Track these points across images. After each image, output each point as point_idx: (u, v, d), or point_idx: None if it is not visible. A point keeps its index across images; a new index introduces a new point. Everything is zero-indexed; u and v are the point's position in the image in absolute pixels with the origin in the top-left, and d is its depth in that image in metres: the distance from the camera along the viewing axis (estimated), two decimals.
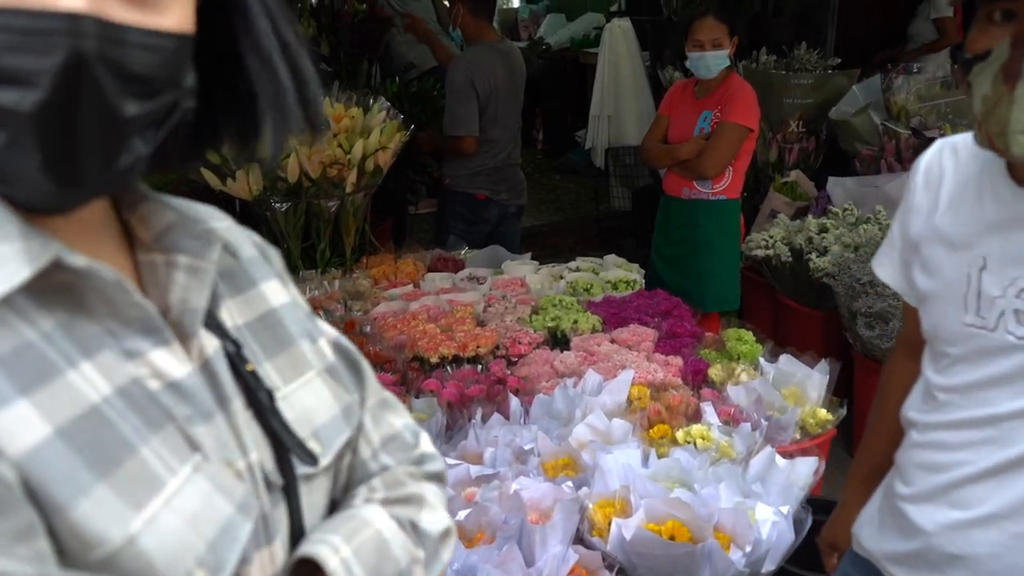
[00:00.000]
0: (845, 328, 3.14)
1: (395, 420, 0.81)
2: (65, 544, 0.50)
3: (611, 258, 3.18)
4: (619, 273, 3.02)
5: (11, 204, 0.52)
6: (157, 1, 0.52)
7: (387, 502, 0.73)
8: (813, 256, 3.34)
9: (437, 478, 0.81)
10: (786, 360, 2.21)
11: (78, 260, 0.52)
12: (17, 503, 0.48)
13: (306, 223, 2.99)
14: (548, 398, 1.97)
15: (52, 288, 0.53)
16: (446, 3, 4.75)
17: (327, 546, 0.65)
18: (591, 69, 5.93)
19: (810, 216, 3.67)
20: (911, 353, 1.27)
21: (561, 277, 3.00)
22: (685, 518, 1.48)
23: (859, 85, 4.17)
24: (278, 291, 0.75)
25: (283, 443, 0.65)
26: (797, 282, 3.50)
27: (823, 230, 3.48)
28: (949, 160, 1.16)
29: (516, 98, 3.66)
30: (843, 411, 2.10)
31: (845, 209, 3.57)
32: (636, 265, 3.14)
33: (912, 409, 1.22)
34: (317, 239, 3.03)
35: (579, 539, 1.53)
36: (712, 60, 3.06)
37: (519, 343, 2.36)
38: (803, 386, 2.15)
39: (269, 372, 0.68)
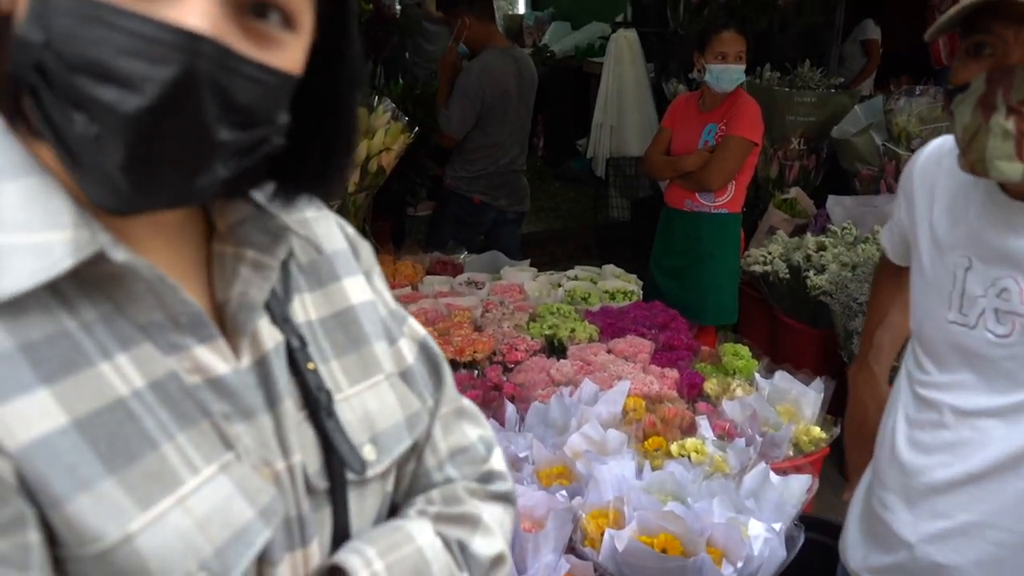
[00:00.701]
0: (841, 347, 3.15)
1: (470, 431, 0.78)
2: (61, 536, 0.50)
3: (609, 268, 3.18)
4: (617, 283, 3.02)
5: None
6: (275, 40, 0.53)
7: (440, 518, 0.71)
8: (811, 274, 3.35)
9: (503, 499, 0.77)
10: (781, 377, 2.21)
11: (119, 255, 0.53)
12: (6, 496, 0.48)
13: None
14: (544, 406, 1.97)
15: (100, 278, 0.53)
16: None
17: (359, 557, 0.64)
18: (594, 78, 5.95)
19: (809, 234, 3.68)
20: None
21: (559, 285, 3.00)
22: (678, 531, 1.48)
23: (861, 105, 4.19)
24: (361, 288, 0.74)
25: (334, 446, 0.64)
26: (794, 299, 3.51)
27: (821, 248, 3.49)
28: (944, 162, 1.21)
29: (526, 105, 3.66)
30: (837, 430, 2.11)
31: (844, 228, 3.59)
32: (634, 276, 3.15)
33: (897, 409, 1.24)
34: None
35: (571, 549, 1.53)
36: (736, 72, 3.06)
37: (516, 350, 2.36)
38: (798, 403, 2.15)
39: (334, 371, 0.68)
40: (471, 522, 0.72)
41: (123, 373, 0.54)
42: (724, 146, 3.09)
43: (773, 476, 1.74)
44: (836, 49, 4.74)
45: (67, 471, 0.50)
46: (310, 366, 0.64)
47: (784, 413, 2.11)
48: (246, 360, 0.61)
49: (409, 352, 0.75)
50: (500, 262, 3.26)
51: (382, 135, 2.94)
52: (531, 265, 3.25)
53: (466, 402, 0.81)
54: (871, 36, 5.18)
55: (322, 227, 0.73)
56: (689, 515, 1.53)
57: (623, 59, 5.10)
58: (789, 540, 1.58)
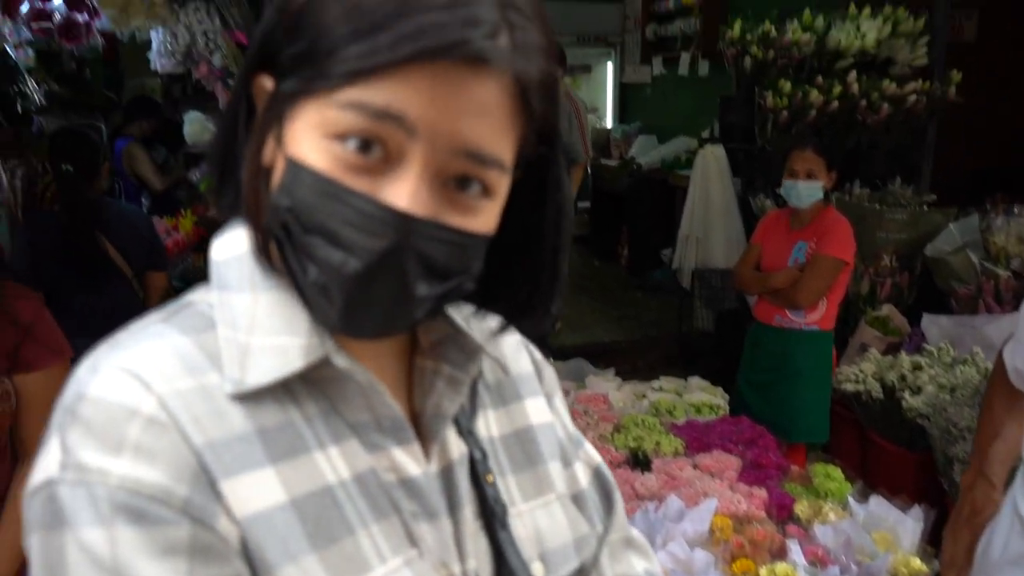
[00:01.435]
0: (940, 473, 3.00)
1: (636, 563, 0.81)
2: None
3: (695, 380, 3.16)
4: (703, 396, 2.99)
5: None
6: (474, 207, 0.59)
7: None
8: (906, 395, 3.24)
9: None
10: (877, 502, 2.13)
11: (341, 361, 0.61)
12: (228, 555, 0.56)
13: None
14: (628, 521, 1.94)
15: (323, 379, 0.62)
16: None
17: None
18: (680, 191, 6.03)
19: (903, 353, 3.57)
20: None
21: (644, 396, 2.99)
22: None
23: (956, 223, 4.11)
24: (541, 410, 0.79)
25: (505, 558, 0.68)
26: (889, 420, 3.39)
27: (917, 368, 3.38)
28: None
29: None
30: (937, 563, 2.00)
31: (940, 348, 3.47)
32: (720, 389, 3.11)
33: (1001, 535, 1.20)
34: None
35: None
36: (804, 190, 3.09)
37: None
38: (895, 532, 2.06)
39: (510, 486, 0.72)
40: None
41: (333, 464, 0.61)
42: (815, 265, 3.08)
43: None
44: (928, 167, 4.71)
45: (280, 543, 0.57)
46: (489, 478, 0.69)
47: (880, 541, 2.02)
48: (434, 465, 0.67)
49: (583, 476, 0.79)
50: (585, 370, 3.28)
51: None
52: (615, 374, 3.25)
53: (635, 532, 0.84)
54: None
55: (510, 347, 0.79)
56: None
57: (710, 173, 5.18)
58: None
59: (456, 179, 0.58)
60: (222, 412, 0.58)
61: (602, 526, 0.79)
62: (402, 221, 0.56)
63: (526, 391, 0.78)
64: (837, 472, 2.37)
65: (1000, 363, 1.45)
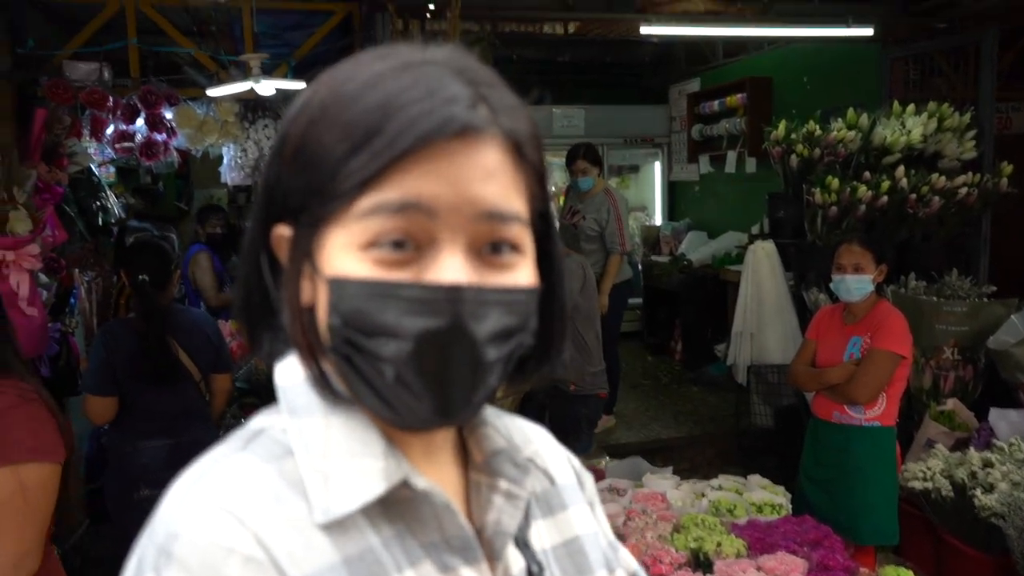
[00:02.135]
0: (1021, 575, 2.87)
1: None
2: None
3: (755, 478, 3.10)
4: (764, 495, 2.93)
5: (382, 422, 0.65)
6: (510, 265, 0.64)
7: None
8: (978, 493, 3.13)
9: None
10: None
11: (420, 482, 0.64)
12: None
13: None
14: None
15: (396, 500, 0.65)
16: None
17: None
18: (731, 286, 6.04)
19: (972, 448, 3.47)
20: None
21: (703, 495, 2.95)
22: None
23: (1019, 314, 4.04)
24: (586, 518, 0.81)
25: None
26: (961, 519, 3.26)
27: (987, 464, 3.27)
28: None
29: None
30: None
31: (1011, 444, 3.37)
32: (781, 488, 3.05)
33: None
34: None
35: None
36: (853, 284, 3.09)
37: (660, 563, 2.31)
38: None
39: None
40: None
41: None
42: (870, 359, 3.05)
43: None
44: (985, 258, 4.66)
45: None
46: None
47: None
48: None
49: None
50: (641, 468, 3.25)
51: None
52: (672, 472, 3.22)
53: None
54: None
55: (552, 457, 0.82)
56: None
57: (761, 268, 5.19)
58: None
59: (488, 245, 0.63)
60: (311, 543, 0.60)
61: None
62: (454, 293, 0.59)
63: (571, 500, 0.80)
64: (909, 575, 2.30)
65: None
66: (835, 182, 4.24)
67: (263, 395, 3.74)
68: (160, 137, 4.02)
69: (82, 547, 3.43)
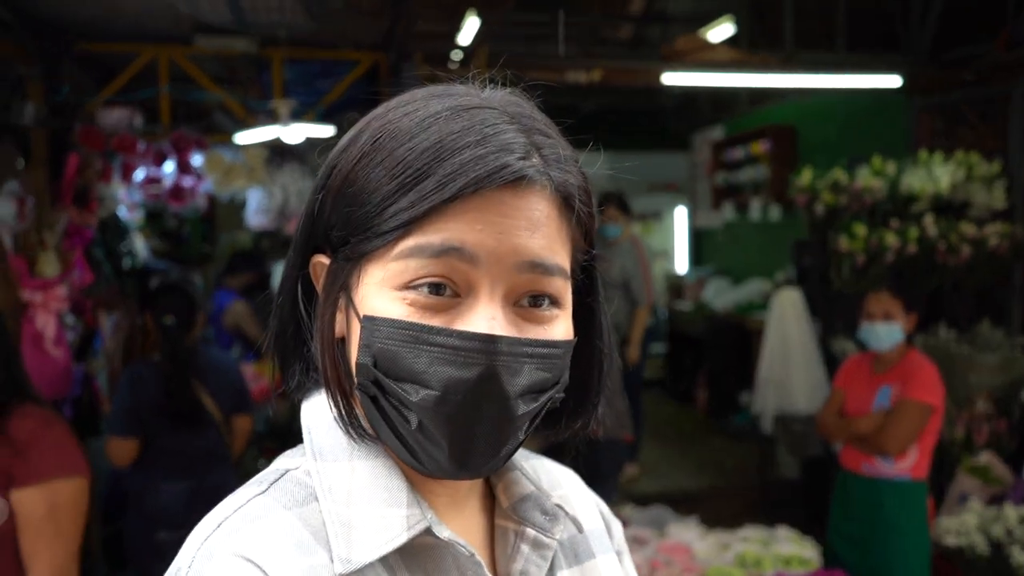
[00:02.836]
0: None
1: None
2: None
3: (782, 531, 3.03)
4: (792, 548, 2.86)
5: (407, 468, 0.64)
6: (548, 318, 0.63)
7: None
8: (1015, 550, 3.02)
9: None
10: None
11: (444, 532, 0.62)
12: None
13: None
14: None
15: (419, 548, 0.63)
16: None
17: None
18: (756, 334, 5.97)
19: (1008, 504, 3.36)
20: None
21: (728, 546, 2.87)
22: None
23: None
24: (613, 568, 0.79)
25: None
26: None
27: None
28: None
29: None
30: None
31: None
32: (811, 540, 2.97)
33: None
34: None
35: None
36: (883, 332, 3.04)
37: None
38: None
39: None
40: None
41: None
42: (900, 410, 2.98)
43: None
44: (1018, 308, 4.58)
45: None
46: None
47: None
48: None
49: None
50: (666, 518, 3.18)
51: None
52: (697, 523, 3.15)
53: None
54: None
55: (581, 503, 0.80)
56: None
57: (787, 316, 5.14)
58: None
59: (528, 297, 0.61)
60: None
61: None
62: (488, 344, 0.57)
63: (598, 548, 0.78)
64: None
65: None
66: (862, 230, 4.20)
67: (284, 438, 3.72)
68: (188, 182, 4.08)
69: None
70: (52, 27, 3.81)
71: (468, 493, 0.70)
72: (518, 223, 0.60)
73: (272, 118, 3.82)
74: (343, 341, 0.65)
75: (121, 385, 3.02)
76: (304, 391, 0.70)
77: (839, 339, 4.56)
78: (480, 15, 4.72)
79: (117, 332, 4.13)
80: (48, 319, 3.30)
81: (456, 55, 4.33)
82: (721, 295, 7.46)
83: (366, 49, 4.30)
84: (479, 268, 0.59)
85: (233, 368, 3.25)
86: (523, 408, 0.60)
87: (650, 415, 6.13)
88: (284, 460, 0.68)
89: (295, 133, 3.72)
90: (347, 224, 0.63)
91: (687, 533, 2.98)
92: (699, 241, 8.92)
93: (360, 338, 0.61)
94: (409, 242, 0.59)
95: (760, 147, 7.00)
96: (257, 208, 4.45)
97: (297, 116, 3.93)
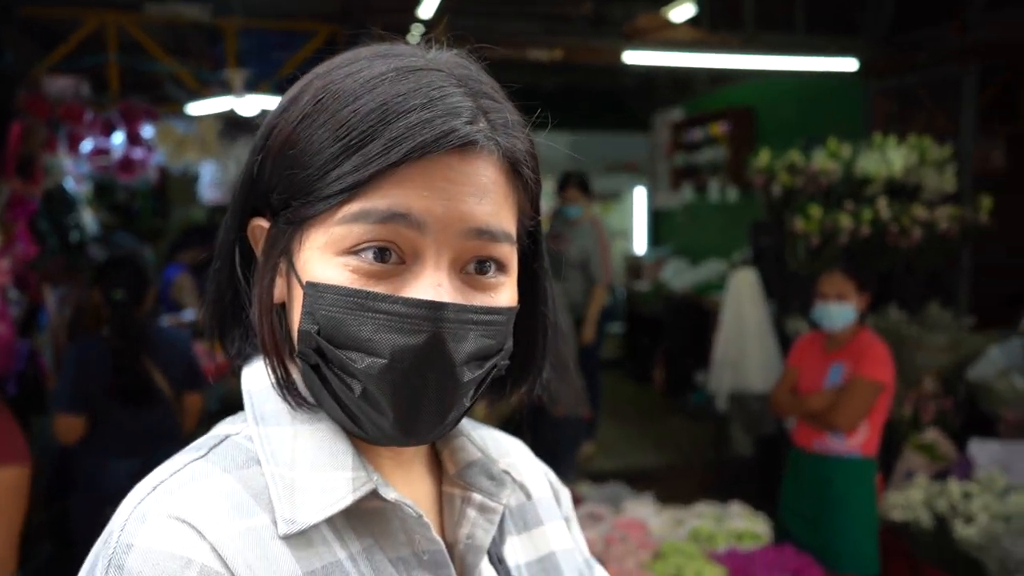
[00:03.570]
0: None
1: None
2: None
3: (735, 507, 3.07)
4: (744, 524, 2.90)
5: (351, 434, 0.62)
6: (493, 285, 0.62)
7: None
8: (958, 524, 3.10)
9: None
10: None
11: (391, 493, 0.61)
12: None
13: None
14: None
15: (366, 512, 0.61)
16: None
17: None
18: (713, 314, 6.04)
19: (952, 479, 3.45)
20: None
21: (682, 522, 2.90)
22: None
23: (999, 347, 4.05)
24: (562, 534, 0.78)
25: None
26: (941, 551, 3.23)
27: (967, 495, 3.25)
28: None
29: None
30: None
31: (991, 475, 3.35)
32: (763, 516, 3.01)
33: None
34: None
35: None
36: (835, 312, 3.08)
37: None
38: None
39: None
40: None
41: None
42: (852, 388, 3.03)
43: None
44: (965, 290, 4.69)
45: None
46: None
47: None
48: None
49: None
50: (622, 495, 3.20)
51: None
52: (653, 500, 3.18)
53: None
54: None
55: (529, 471, 0.79)
56: None
57: (743, 297, 5.19)
58: None
59: (474, 262, 0.61)
60: (272, 556, 0.57)
61: None
62: (435, 311, 0.57)
63: (546, 515, 0.77)
64: None
65: None
66: (817, 211, 4.25)
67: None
68: (138, 153, 3.97)
69: (47, 573, 3.32)
70: None
71: (413, 458, 0.69)
72: (465, 189, 0.58)
73: (226, 89, 3.73)
74: (283, 307, 0.63)
75: (68, 360, 2.94)
76: (244, 357, 0.68)
77: (794, 319, 4.63)
78: None
79: (63, 307, 4.02)
80: None
81: (417, 28, 4.27)
82: (679, 275, 7.52)
83: (323, 20, 4.22)
84: (426, 235, 0.58)
85: (184, 344, 3.18)
86: (468, 375, 0.60)
87: (608, 394, 6.18)
88: (224, 426, 0.66)
89: (249, 105, 3.64)
90: (288, 187, 0.61)
91: (642, 510, 3.01)
92: (658, 221, 8.97)
93: (303, 305, 0.59)
94: (353, 207, 0.57)
95: (719, 128, 7.04)
96: (211, 181, 4.35)
97: (251, 87, 3.84)
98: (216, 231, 0.71)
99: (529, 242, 0.69)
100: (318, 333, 0.58)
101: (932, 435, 3.93)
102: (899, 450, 3.94)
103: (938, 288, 4.59)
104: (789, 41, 4.91)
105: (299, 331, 0.60)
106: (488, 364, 0.61)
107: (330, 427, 0.62)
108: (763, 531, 2.88)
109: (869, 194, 4.41)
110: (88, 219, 5.02)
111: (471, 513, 0.67)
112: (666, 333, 7.19)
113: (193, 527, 0.56)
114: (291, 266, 0.61)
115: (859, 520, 3.10)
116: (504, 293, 0.63)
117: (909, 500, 3.35)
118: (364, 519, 0.61)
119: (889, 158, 4.40)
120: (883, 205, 4.28)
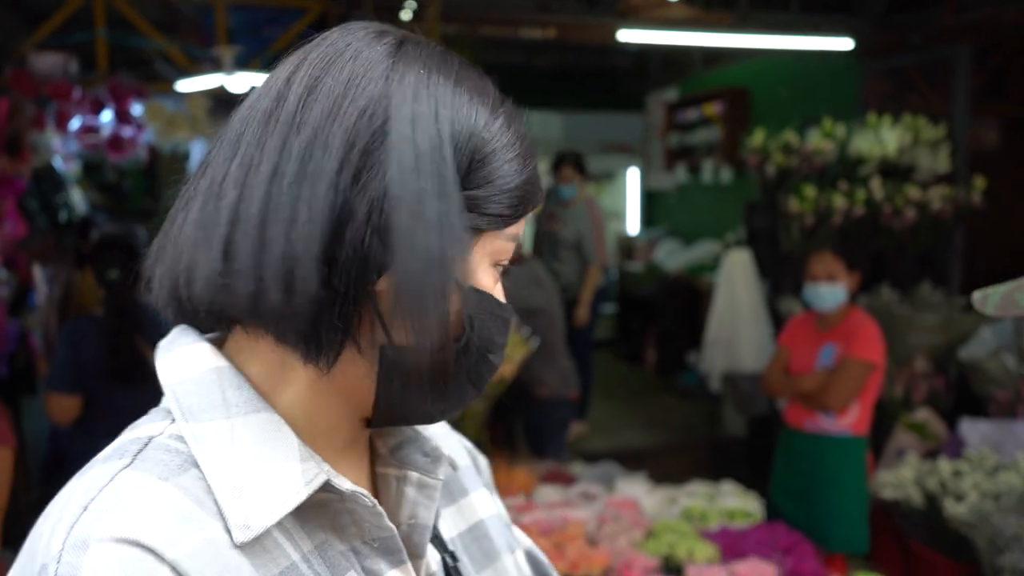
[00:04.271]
0: None
1: None
2: None
3: (727, 485, 3.08)
4: (736, 502, 2.91)
5: (297, 420, 0.60)
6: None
7: None
8: (948, 502, 3.13)
9: None
10: None
11: (344, 484, 0.58)
12: None
13: None
14: None
15: (311, 505, 0.58)
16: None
17: None
18: (706, 294, 6.05)
19: (942, 458, 3.47)
20: None
21: (675, 501, 2.92)
22: None
23: (990, 327, 4.06)
24: (486, 501, 0.78)
25: None
26: (931, 529, 3.26)
27: (957, 474, 3.28)
28: None
29: None
30: None
31: (981, 454, 3.37)
32: (755, 493, 3.03)
33: None
34: None
35: None
36: (825, 292, 3.08)
37: (631, 568, 2.27)
38: None
39: None
40: None
41: None
42: (843, 368, 3.04)
43: None
44: (957, 270, 4.70)
45: None
46: None
47: None
48: None
49: (524, 563, 0.79)
50: (614, 474, 3.21)
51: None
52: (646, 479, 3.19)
53: None
54: None
55: (448, 443, 0.78)
56: None
57: (736, 277, 5.20)
58: None
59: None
60: (233, 567, 0.53)
61: None
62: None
63: (470, 484, 0.77)
64: None
65: None
66: (811, 191, 4.25)
67: None
68: (128, 132, 3.93)
69: None
70: None
71: (351, 440, 0.66)
72: None
73: (216, 66, 3.68)
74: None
75: (62, 340, 2.92)
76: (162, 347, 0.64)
77: (787, 299, 4.64)
78: None
79: (53, 286, 3.99)
80: None
81: (410, 5, 4.22)
82: (672, 256, 7.51)
83: None
84: None
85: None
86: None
87: (601, 374, 6.18)
88: (143, 427, 0.60)
89: (240, 82, 3.59)
90: (481, 199, 0.61)
91: (635, 488, 3.02)
92: (651, 202, 8.95)
93: (468, 307, 0.61)
94: (516, 227, 0.64)
95: (713, 109, 7.01)
96: (201, 160, 4.31)
97: (242, 64, 3.79)
98: None
99: None
100: (476, 337, 0.62)
101: (923, 414, 3.96)
102: (890, 429, 3.96)
103: (930, 268, 4.60)
104: (784, 20, 4.88)
105: (466, 331, 0.61)
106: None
107: (270, 417, 0.58)
108: (755, 509, 2.89)
109: (863, 174, 4.40)
110: (77, 198, 4.98)
111: (410, 492, 0.66)
112: (658, 314, 7.20)
113: (148, 549, 0.50)
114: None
115: (850, 498, 3.12)
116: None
117: (900, 479, 3.38)
118: (310, 514, 0.58)
119: (883, 138, 4.40)
120: (877, 185, 4.28)
